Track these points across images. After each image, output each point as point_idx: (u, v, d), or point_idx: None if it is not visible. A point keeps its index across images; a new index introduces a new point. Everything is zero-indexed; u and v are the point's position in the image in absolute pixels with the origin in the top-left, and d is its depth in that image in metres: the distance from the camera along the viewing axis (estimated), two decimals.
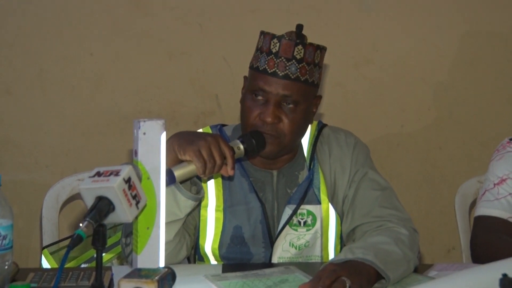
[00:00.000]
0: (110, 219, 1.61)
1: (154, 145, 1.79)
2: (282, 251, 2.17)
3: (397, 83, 3.41)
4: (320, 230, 2.19)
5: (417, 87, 3.42)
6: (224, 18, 3.31)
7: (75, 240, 1.53)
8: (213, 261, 2.19)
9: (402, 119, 3.43)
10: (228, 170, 1.97)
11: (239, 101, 2.20)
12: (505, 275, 1.52)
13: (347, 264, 1.83)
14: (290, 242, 2.17)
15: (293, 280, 1.90)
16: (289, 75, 2.08)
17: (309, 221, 2.18)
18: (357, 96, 3.40)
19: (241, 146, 2.03)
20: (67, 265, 2.19)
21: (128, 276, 1.68)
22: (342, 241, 2.23)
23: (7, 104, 3.23)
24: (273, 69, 2.08)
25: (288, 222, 2.16)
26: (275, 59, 2.08)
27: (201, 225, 2.17)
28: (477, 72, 3.44)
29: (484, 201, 2.29)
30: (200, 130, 2.22)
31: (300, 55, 2.08)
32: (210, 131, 2.24)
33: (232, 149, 1.98)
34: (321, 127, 2.27)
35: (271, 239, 2.17)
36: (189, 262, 2.25)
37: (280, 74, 2.08)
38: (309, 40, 2.13)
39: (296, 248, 2.18)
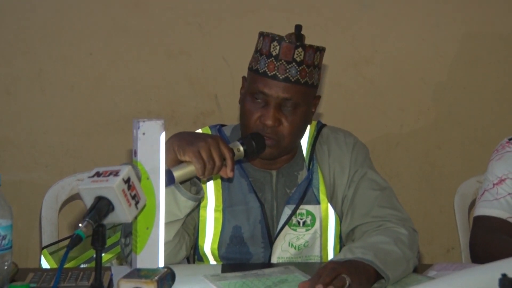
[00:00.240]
0: (110, 219, 1.61)
1: (154, 145, 1.79)
2: (281, 251, 2.17)
3: (396, 83, 3.41)
4: (319, 230, 2.19)
5: (417, 87, 3.42)
6: (224, 18, 3.31)
7: (75, 240, 1.53)
8: (212, 261, 2.19)
9: (401, 119, 3.43)
10: (228, 172, 1.97)
11: (238, 102, 2.20)
12: (504, 275, 1.51)
13: (347, 263, 1.83)
14: (289, 242, 2.17)
15: (293, 280, 1.90)
16: (289, 78, 2.08)
17: (308, 221, 2.18)
18: (356, 96, 3.40)
19: (241, 148, 2.03)
20: (66, 265, 2.19)
21: (128, 276, 1.68)
22: (341, 241, 2.23)
23: (6, 104, 3.23)
24: (273, 72, 2.08)
25: (287, 222, 2.16)
26: (275, 62, 2.08)
27: (200, 225, 2.17)
28: (477, 72, 3.44)
29: (483, 201, 2.29)
30: (199, 130, 2.22)
31: (300, 58, 2.08)
32: (209, 131, 2.24)
33: (231, 151, 1.98)
34: (320, 127, 2.27)
35: (270, 239, 2.17)
36: (189, 262, 2.25)
37: (281, 77, 2.08)
38: (309, 40, 2.12)
39: (295, 248, 2.18)
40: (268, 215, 2.18)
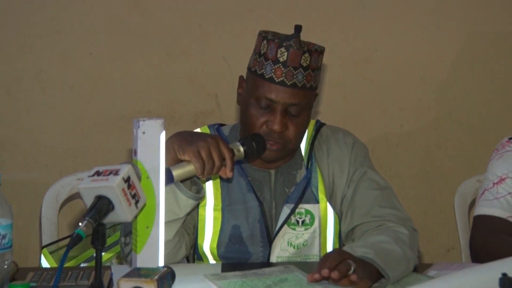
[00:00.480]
0: (110, 219, 1.61)
1: (154, 145, 1.79)
2: (280, 250, 2.17)
3: (396, 82, 3.41)
4: (318, 229, 2.19)
5: (417, 87, 3.42)
6: (224, 18, 3.31)
7: (75, 240, 1.53)
8: (211, 261, 2.19)
9: (401, 118, 3.43)
10: (227, 172, 1.97)
11: (236, 102, 2.19)
12: (504, 275, 1.52)
13: (352, 255, 1.85)
14: (288, 241, 2.17)
15: (293, 279, 1.90)
16: (297, 84, 2.07)
17: (307, 220, 2.18)
18: (356, 95, 3.40)
19: (241, 149, 2.03)
20: (66, 265, 2.18)
21: (128, 275, 1.68)
22: (340, 240, 2.23)
23: (6, 104, 3.23)
24: (281, 78, 2.07)
25: (286, 221, 2.16)
26: (283, 68, 2.07)
27: (199, 224, 2.17)
28: (477, 72, 3.44)
29: (484, 200, 2.29)
30: (198, 130, 2.22)
31: (306, 63, 2.08)
32: (207, 130, 2.24)
33: (231, 151, 1.98)
34: (319, 126, 2.27)
35: (269, 238, 2.17)
36: (188, 261, 2.25)
37: (288, 83, 2.07)
38: (308, 40, 2.12)
39: (294, 247, 2.18)
40: (267, 214, 2.18)
